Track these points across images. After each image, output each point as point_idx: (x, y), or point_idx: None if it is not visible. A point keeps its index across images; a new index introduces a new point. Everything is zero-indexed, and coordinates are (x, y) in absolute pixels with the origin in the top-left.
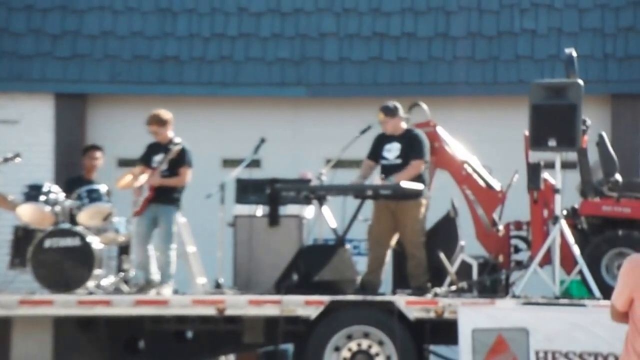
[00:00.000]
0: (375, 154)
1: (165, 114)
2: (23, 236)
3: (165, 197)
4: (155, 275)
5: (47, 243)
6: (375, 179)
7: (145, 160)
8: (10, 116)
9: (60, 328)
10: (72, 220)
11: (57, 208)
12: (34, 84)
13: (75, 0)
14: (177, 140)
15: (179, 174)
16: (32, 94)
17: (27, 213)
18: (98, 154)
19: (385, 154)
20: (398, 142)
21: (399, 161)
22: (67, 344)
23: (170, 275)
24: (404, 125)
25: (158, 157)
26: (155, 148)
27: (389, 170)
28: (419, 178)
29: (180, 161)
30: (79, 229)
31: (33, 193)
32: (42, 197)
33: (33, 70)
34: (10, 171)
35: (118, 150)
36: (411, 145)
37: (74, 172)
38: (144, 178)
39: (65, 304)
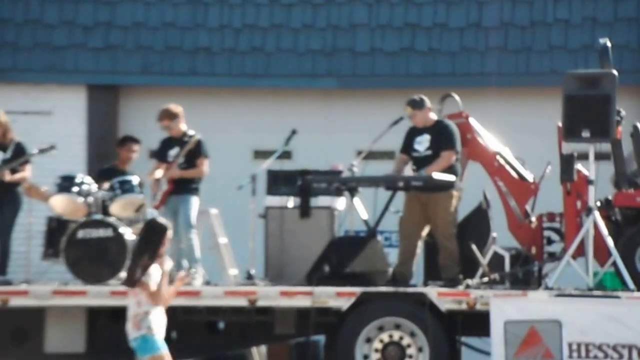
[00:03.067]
0: (407, 147)
1: (175, 107)
2: (56, 227)
3: (183, 188)
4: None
5: (80, 234)
6: (408, 170)
7: (160, 155)
8: (43, 107)
9: (94, 319)
10: (105, 211)
11: (90, 199)
12: (67, 75)
13: None
14: (191, 132)
15: (197, 166)
16: (65, 86)
17: (60, 204)
18: (136, 147)
19: (416, 146)
20: (428, 133)
21: (429, 152)
22: (101, 335)
23: (196, 259)
24: (433, 116)
25: (173, 152)
26: (169, 142)
27: (420, 163)
28: (450, 169)
29: (196, 152)
30: (111, 219)
31: (66, 184)
32: (75, 188)
33: (66, 62)
34: (43, 162)
35: (150, 141)
36: (441, 137)
37: (106, 163)
38: (160, 173)
39: (99, 295)
